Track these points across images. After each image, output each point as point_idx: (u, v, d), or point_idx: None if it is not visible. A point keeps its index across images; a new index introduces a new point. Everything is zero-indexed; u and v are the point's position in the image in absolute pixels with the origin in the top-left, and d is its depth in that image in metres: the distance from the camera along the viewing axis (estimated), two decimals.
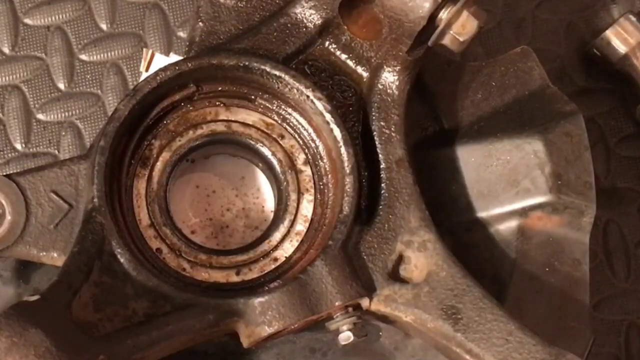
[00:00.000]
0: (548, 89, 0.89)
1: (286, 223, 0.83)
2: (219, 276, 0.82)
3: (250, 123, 0.85)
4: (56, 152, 0.92)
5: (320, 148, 0.83)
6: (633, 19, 0.99)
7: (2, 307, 0.84)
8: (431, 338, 0.79)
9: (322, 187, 0.83)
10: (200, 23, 0.85)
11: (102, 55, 0.94)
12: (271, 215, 0.87)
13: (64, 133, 0.92)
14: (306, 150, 0.84)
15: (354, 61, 0.83)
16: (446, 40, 0.78)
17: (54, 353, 0.64)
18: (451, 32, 0.77)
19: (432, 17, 0.77)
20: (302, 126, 0.84)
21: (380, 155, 0.82)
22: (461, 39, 0.77)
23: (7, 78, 0.93)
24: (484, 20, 0.77)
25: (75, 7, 0.94)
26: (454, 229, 0.86)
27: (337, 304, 0.77)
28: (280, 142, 0.85)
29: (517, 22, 1.03)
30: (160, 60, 0.92)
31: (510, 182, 0.85)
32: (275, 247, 0.83)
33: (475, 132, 0.88)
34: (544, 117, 0.87)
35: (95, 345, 0.69)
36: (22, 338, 0.64)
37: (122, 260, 0.76)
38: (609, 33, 0.98)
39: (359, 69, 0.83)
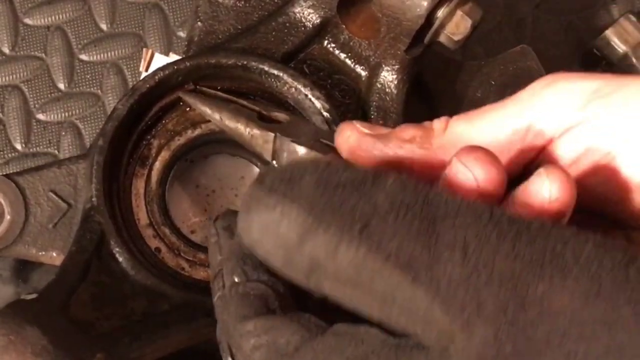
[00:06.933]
0: None
1: None
2: None
3: None
4: (56, 152, 0.92)
5: None
6: (633, 19, 0.98)
7: (1, 306, 0.85)
8: None
9: None
10: (199, 22, 0.85)
11: (102, 55, 0.94)
12: None
13: (64, 133, 0.92)
14: None
15: (352, 60, 0.83)
16: (442, 38, 0.78)
17: (50, 351, 0.64)
18: (445, 32, 0.77)
19: (430, 16, 0.77)
20: None
21: None
22: (455, 39, 0.77)
23: (7, 78, 0.93)
24: (480, 17, 0.77)
25: (75, 7, 0.95)
26: None
27: None
28: None
29: (517, 22, 1.03)
30: (160, 60, 0.92)
31: None
32: None
33: None
34: None
35: (93, 344, 0.69)
36: (19, 336, 0.63)
37: (120, 259, 0.76)
38: (609, 33, 0.98)
39: (358, 68, 0.83)
